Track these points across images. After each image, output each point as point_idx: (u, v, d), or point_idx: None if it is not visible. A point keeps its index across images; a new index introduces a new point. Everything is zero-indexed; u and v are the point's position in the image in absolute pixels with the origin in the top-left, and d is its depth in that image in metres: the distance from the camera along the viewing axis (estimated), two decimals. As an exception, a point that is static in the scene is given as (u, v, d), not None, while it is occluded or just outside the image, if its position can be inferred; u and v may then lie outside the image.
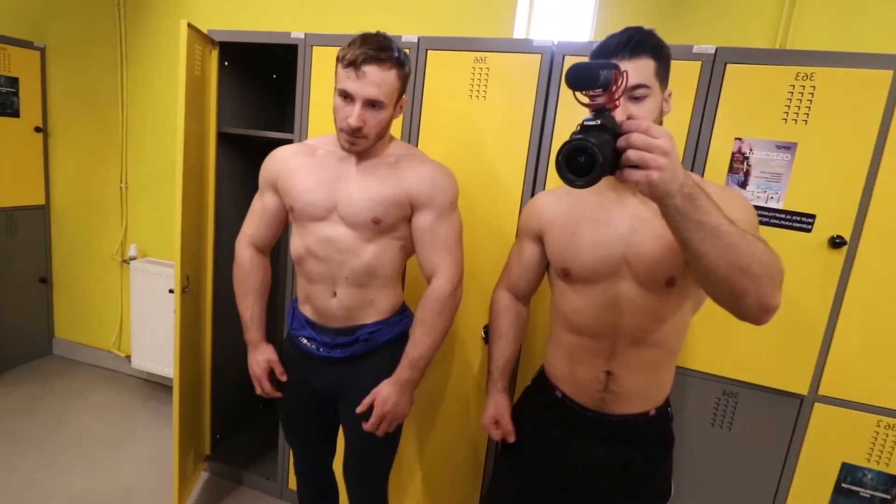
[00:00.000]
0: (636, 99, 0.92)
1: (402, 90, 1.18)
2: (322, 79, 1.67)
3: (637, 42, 0.92)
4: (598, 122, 0.71)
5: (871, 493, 1.37)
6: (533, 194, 1.50)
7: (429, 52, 1.54)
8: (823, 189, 1.27)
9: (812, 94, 1.24)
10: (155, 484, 2.05)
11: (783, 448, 1.42)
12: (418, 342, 1.23)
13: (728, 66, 1.29)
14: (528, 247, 1.17)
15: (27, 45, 2.65)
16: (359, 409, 1.24)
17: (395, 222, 1.22)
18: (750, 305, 0.77)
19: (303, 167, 1.24)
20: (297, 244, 1.27)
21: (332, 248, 1.21)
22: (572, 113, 1.43)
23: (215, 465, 2.14)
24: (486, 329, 1.58)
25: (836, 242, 1.27)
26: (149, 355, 2.65)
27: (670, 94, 0.99)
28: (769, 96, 1.27)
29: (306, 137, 1.71)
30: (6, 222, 2.68)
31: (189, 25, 1.57)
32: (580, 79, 0.75)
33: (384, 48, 1.09)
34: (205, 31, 1.74)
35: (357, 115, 1.11)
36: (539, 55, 1.43)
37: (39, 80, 2.72)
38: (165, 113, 2.54)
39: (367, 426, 1.23)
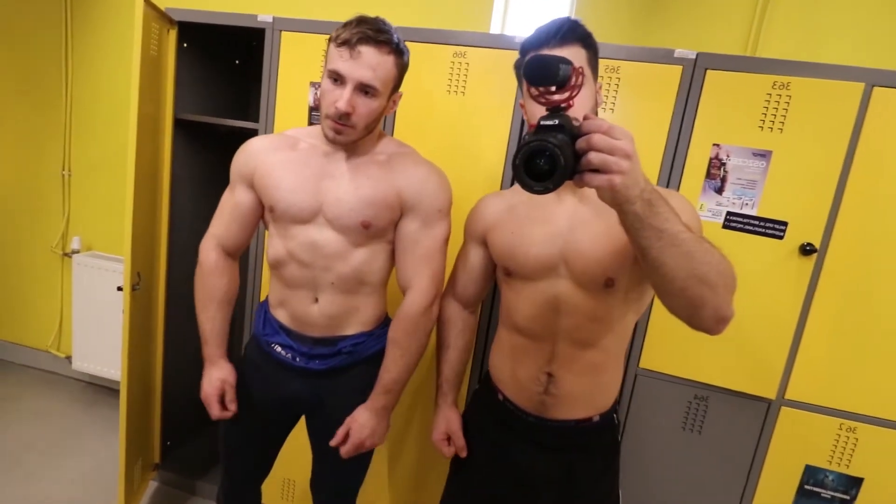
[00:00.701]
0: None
1: (398, 82, 1.09)
2: (291, 66, 1.58)
3: (567, 30, 0.91)
4: (556, 121, 0.66)
5: (832, 493, 1.41)
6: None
7: (406, 43, 1.47)
8: (796, 197, 1.29)
9: (788, 102, 1.26)
10: (99, 495, 1.90)
11: (750, 451, 1.44)
12: (391, 365, 1.14)
13: (708, 71, 1.29)
14: (472, 251, 1.15)
15: (-43, 15, 2.41)
16: (333, 442, 1.14)
17: (387, 226, 1.13)
18: (707, 316, 0.76)
19: (284, 162, 1.11)
20: (276, 247, 1.14)
21: (317, 254, 1.11)
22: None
23: (165, 475, 2.01)
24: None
25: (806, 249, 1.29)
26: (92, 356, 2.46)
27: (601, 87, 0.98)
28: (747, 103, 1.28)
29: (272, 127, 1.61)
30: (-71, 210, 2.44)
31: (146, 1, 1.45)
32: (542, 73, 0.69)
33: (383, 31, 1.00)
34: (162, 9, 1.61)
35: (347, 100, 0.99)
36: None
37: (-29, 56, 2.48)
38: (115, 95, 2.36)
39: (343, 452, 1.14)
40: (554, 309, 0.99)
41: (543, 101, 0.70)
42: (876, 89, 1.22)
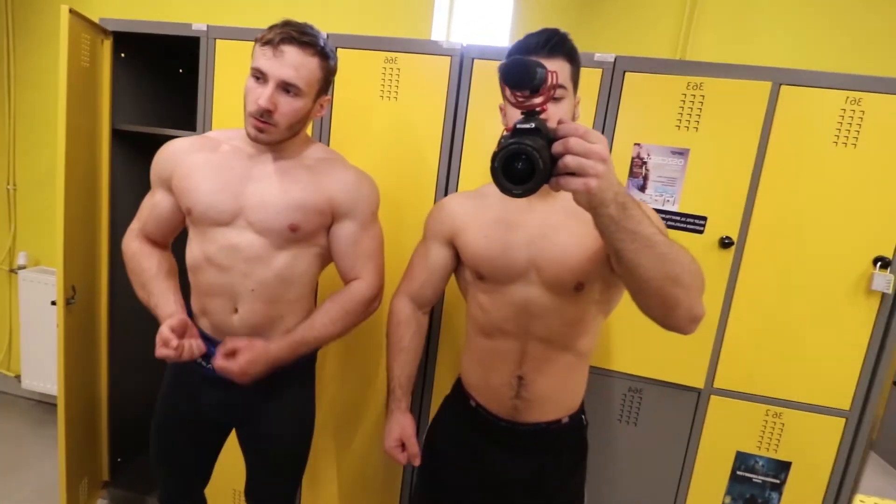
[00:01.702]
0: (555, 100, 0.90)
1: (325, 86, 1.10)
2: (227, 74, 1.58)
3: (555, 43, 0.91)
4: (532, 125, 0.65)
5: (763, 478, 1.46)
6: (446, 194, 1.48)
7: (338, 49, 1.49)
8: (713, 192, 1.34)
9: (702, 102, 1.31)
10: (43, 516, 1.86)
11: (684, 440, 1.48)
12: (313, 327, 1.12)
13: (627, 73, 1.34)
14: (436, 250, 1.13)
15: None
16: (218, 356, 1.04)
17: (315, 230, 1.13)
18: (681, 316, 0.78)
19: (204, 164, 1.10)
20: (194, 251, 1.13)
21: (236, 257, 1.09)
22: (484, 115, 1.43)
23: (115, 492, 1.96)
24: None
25: (725, 243, 1.34)
26: (41, 374, 2.41)
27: (579, 102, 1.00)
28: (664, 104, 1.33)
29: (210, 136, 1.61)
30: None
31: (71, 11, 1.44)
32: (518, 76, 0.68)
33: (307, 33, 1.02)
34: (96, 20, 1.60)
35: (268, 97, 1.00)
36: (449, 57, 1.43)
37: None
38: (56, 109, 2.32)
39: (217, 364, 1.04)
40: (525, 312, 1.00)
41: (521, 102, 0.70)
42: (783, 87, 1.28)
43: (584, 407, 1.13)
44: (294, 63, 1.01)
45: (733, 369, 1.42)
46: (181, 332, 1.05)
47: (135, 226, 1.23)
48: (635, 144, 1.36)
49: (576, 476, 1.11)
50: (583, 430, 1.12)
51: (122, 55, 1.74)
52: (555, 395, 1.05)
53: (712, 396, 1.44)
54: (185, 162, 1.12)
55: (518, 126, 0.66)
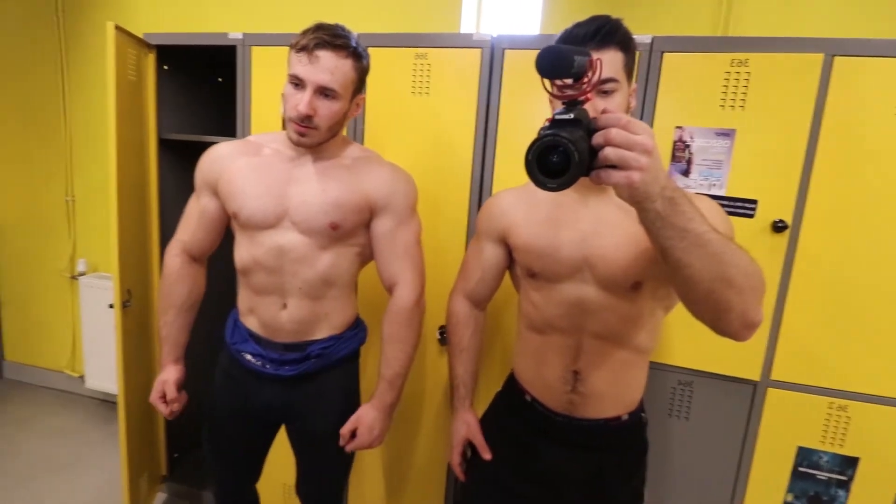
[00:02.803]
0: (605, 93, 0.86)
1: (359, 85, 1.12)
2: (263, 79, 1.62)
3: (606, 33, 0.85)
4: (571, 115, 0.63)
5: (828, 475, 1.38)
6: (481, 190, 1.47)
7: (369, 49, 1.49)
8: (763, 174, 1.27)
9: (747, 79, 1.25)
10: (109, 509, 1.96)
11: (740, 434, 1.42)
12: (392, 360, 1.17)
13: (665, 54, 1.29)
14: (489, 249, 1.11)
15: (-40, 56, 2.53)
16: (342, 442, 1.17)
17: (354, 228, 1.15)
18: (733, 320, 0.72)
19: (248, 169, 1.14)
20: (242, 254, 1.17)
21: (283, 258, 1.12)
22: (517, 107, 1.41)
23: (173, 486, 2.06)
24: (442, 329, 1.55)
25: (778, 227, 1.27)
26: (103, 374, 2.55)
27: (635, 90, 0.94)
28: (706, 83, 1.27)
29: (249, 141, 1.65)
30: (-56, 242, 2.55)
31: (117, 28, 1.51)
32: (554, 65, 0.64)
33: (339, 35, 1.04)
34: (140, 35, 1.67)
35: (307, 102, 1.03)
36: (480, 49, 1.41)
37: (-24, 93, 2.60)
38: (106, 122, 2.45)
39: (347, 448, 1.17)
40: (579, 309, 0.97)
41: (561, 92, 0.67)
42: (837, 59, 1.20)
43: (644, 405, 1.09)
44: (329, 67, 1.03)
45: (792, 360, 1.35)
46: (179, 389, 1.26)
47: (181, 236, 1.25)
48: (676, 128, 1.31)
49: (636, 476, 1.08)
50: (643, 428, 1.08)
51: (165, 67, 1.81)
52: (612, 391, 1.01)
53: (769, 389, 1.37)
54: (230, 167, 1.15)
55: (556, 117, 0.64)
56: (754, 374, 1.37)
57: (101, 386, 2.56)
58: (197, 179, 1.21)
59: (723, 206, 1.28)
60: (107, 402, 2.73)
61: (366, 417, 1.17)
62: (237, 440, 1.28)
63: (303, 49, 1.03)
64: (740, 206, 1.29)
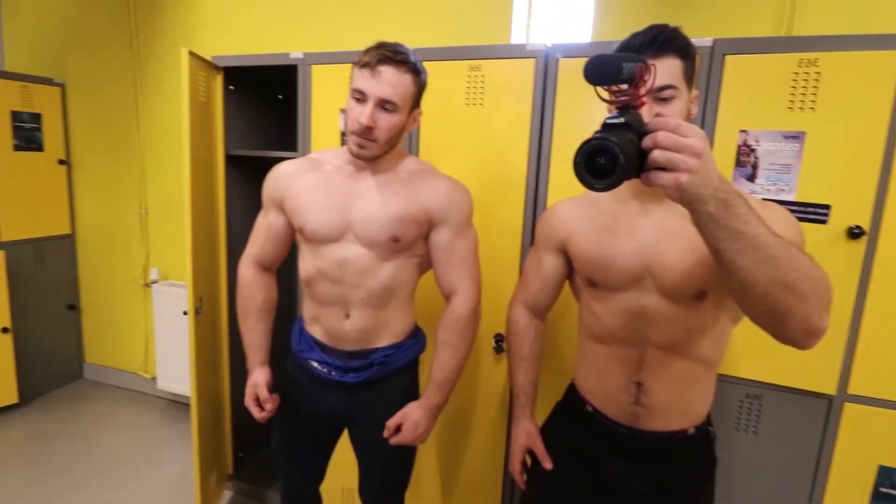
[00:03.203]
0: (663, 100, 0.87)
1: (417, 100, 1.16)
2: (322, 96, 1.69)
3: (663, 40, 0.86)
4: (622, 119, 0.65)
5: (913, 496, 1.29)
6: (535, 200, 1.48)
7: (423, 63, 1.53)
8: (837, 178, 1.22)
9: (817, 80, 1.20)
10: (182, 503, 2.08)
11: (814, 451, 1.35)
12: (444, 364, 1.20)
13: (727, 57, 1.25)
14: (548, 259, 1.12)
15: (47, 81, 2.76)
16: (385, 434, 1.19)
17: (414, 240, 1.19)
18: (793, 327, 0.69)
19: (312, 185, 1.19)
20: (307, 266, 1.21)
21: (347, 270, 1.17)
22: (571, 115, 1.41)
23: (238, 484, 2.16)
24: (498, 338, 1.56)
25: (854, 233, 1.21)
26: (174, 376, 2.71)
27: (696, 97, 0.94)
28: (772, 85, 1.23)
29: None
30: (35, 252, 2.79)
31: (190, 53, 1.62)
32: (600, 72, 0.66)
33: (400, 52, 1.09)
34: (208, 58, 1.78)
35: (369, 114, 1.07)
36: (534, 59, 1.42)
37: (61, 114, 2.84)
38: (179, 139, 2.61)
39: (392, 441, 1.19)
40: (641, 319, 0.96)
41: (609, 99, 0.69)
42: (917, 55, 1.14)
43: (712, 418, 1.06)
44: (391, 81, 1.07)
45: (871, 373, 1.27)
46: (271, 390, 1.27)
47: (252, 250, 1.31)
48: (741, 131, 1.27)
49: (704, 492, 1.04)
50: (711, 442, 1.05)
51: (231, 87, 1.92)
52: (678, 403, 0.98)
53: (846, 404, 1.30)
54: (294, 184, 1.20)
55: (606, 121, 0.66)
56: (829, 388, 1.30)
57: (172, 387, 2.72)
58: (264, 197, 1.27)
59: (792, 212, 1.24)
60: (176, 402, 2.89)
61: (412, 414, 1.19)
62: (305, 443, 1.34)
63: (366, 65, 1.08)
64: (812, 212, 1.24)
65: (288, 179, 1.22)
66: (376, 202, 1.15)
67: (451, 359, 1.20)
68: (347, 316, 1.20)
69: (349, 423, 1.31)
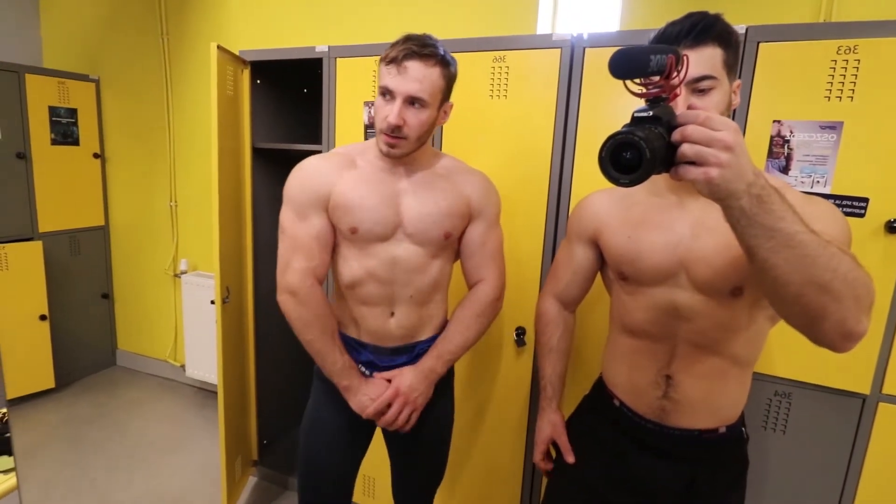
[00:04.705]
0: (701, 91, 0.83)
1: (447, 92, 1.12)
2: (347, 89, 1.70)
3: (702, 29, 0.82)
4: (651, 113, 0.63)
5: (951, 501, 1.24)
6: (559, 192, 1.46)
7: (448, 55, 1.53)
8: (875, 169, 1.17)
9: (857, 68, 1.15)
10: (207, 488, 2.14)
11: (846, 452, 1.31)
12: (452, 337, 1.20)
13: (761, 45, 1.22)
14: (579, 251, 1.10)
15: (83, 77, 2.85)
16: (378, 404, 1.13)
17: (459, 235, 1.20)
18: (828, 329, 0.67)
19: (358, 183, 1.12)
20: (353, 268, 1.15)
21: (397, 269, 1.14)
22: (597, 107, 1.39)
23: (263, 470, 2.21)
24: (519, 330, 1.56)
25: (893, 227, 1.16)
26: (202, 364, 2.78)
27: (739, 86, 0.90)
28: (808, 74, 1.19)
29: (334, 146, 1.74)
30: (70, 243, 2.89)
31: (219, 47, 1.64)
32: (625, 65, 0.65)
33: (427, 45, 1.05)
34: (236, 53, 1.81)
35: (397, 113, 1.04)
36: (559, 49, 1.40)
37: (95, 109, 2.92)
38: (208, 133, 2.67)
39: (387, 417, 1.14)
40: (673, 314, 0.94)
41: (637, 93, 0.67)
42: (966, 40, 1.08)
43: (745, 419, 1.03)
44: (418, 77, 1.04)
45: (908, 373, 1.23)
46: None
47: (304, 265, 1.13)
48: (774, 122, 1.23)
49: (734, 494, 1.02)
50: (743, 444, 1.02)
51: (258, 81, 1.94)
52: (708, 400, 0.96)
53: (881, 404, 1.26)
54: (339, 181, 1.13)
55: (635, 114, 0.65)
56: (863, 388, 1.26)
57: (200, 375, 2.79)
58: (300, 199, 1.13)
59: (827, 205, 1.20)
60: (204, 389, 2.97)
61: (405, 379, 1.15)
62: (341, 452, 1.27)
63: (392, 61, 1.04)
64: (848, 205, 1.20)
65: (330, 176, 1.13)
66: (426, 199, 1.14)
67: (460, 336, 1.20)
68: (392, 314, 1.18)
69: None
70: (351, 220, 1.11)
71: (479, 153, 1.53)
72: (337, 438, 1.25)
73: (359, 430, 1.27)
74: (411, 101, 1.06)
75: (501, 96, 1.49)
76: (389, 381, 1.18)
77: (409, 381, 1.16)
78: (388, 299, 1.17)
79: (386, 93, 1.07)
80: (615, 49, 0.66)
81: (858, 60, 1.15)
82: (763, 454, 1.38)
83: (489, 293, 1.21)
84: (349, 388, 1.16)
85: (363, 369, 1.21)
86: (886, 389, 1.25)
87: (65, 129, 2.78)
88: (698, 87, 0.83)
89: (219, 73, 1.67)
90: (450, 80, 1.11)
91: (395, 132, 1.06)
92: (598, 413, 1.11)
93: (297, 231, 1.13)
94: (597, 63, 1.37)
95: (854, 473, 1.30)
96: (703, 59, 0.82)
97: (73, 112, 2.80)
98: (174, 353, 3.05)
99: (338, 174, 1.13)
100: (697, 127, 0.60)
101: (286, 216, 1.15)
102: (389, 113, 1.05)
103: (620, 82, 0.69)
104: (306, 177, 1.14)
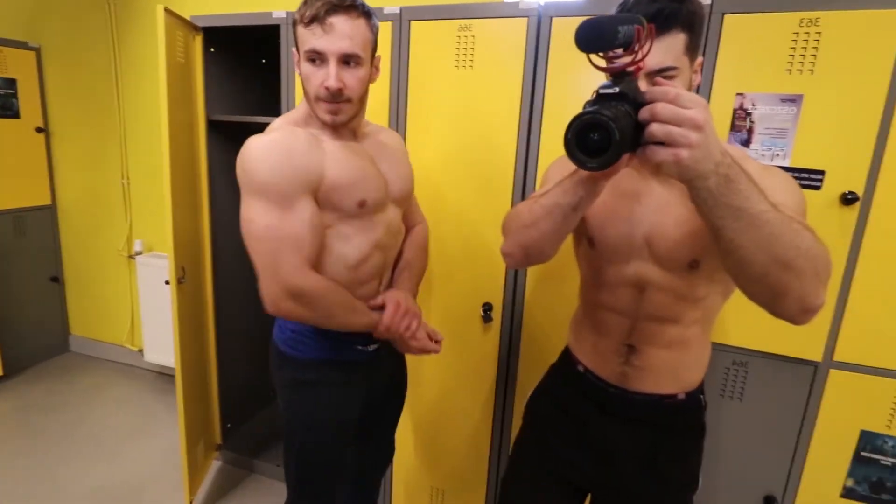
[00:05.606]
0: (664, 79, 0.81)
1: (375, 45, 1.04)
2: (306, 58, 1.62)
3: (667, 15, 0.77)
4: (617, 89, 0.60)
5: (893, 460, 1.31)
6: (526, 162, 1.44)
7: (412, 22, 1.48)
8: (832, 143, 1.19)
9: (818, 40, 1.16)
10: (170, 474, 2.08)
11: (798, 417, 1.36)
12: (413, 265, 1.26)
13: (725, 16, 1.21)
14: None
15: (22, 45, 2.65)
16: (388, 316, 1.09)
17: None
18: (790, 305, 0.68)
19: (342, 154, 1.04)
20: (360, 244, 1.07)
21: (391, 232, 1.16)
22: (565, 79, 1.36)
23: (227, 454, 2.16)
24: (485, 306, 1.55)
25: (847, 199, 1.19)
26: (160, 348, 2.68)
27: (700, 64, 0.87)
28: (771, 46, 1.19)
29: (294, 120, 1.67)
30: (15, 223, 2.72)
31: (167, 10, 1.54)
32: (593, 38, 0.60)
33: None
34: (187, 17, 1.70)
35: (335, 76, 0.95)
36: (525, 18, 1.37)
37: (37, 80, 2.73)
38: (158, 106, 2.53)
39: (399, 325, 1.11)
40: (635, 286, 0.95)
41: (601, 67, 0.63)
42: (921, 14, 1.10)
43: (704, 387, 1.05)
44: (347, 32, 0.95)
45: (858, 341, 1.27)
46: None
47: (301, 257, 0.98)
48: (737, 94, 1.23)
49: (692, 458, 1.05)
50: (701, 411, 1.04)
51: (212, 50, 1.84)
52: (668, 367, 0.98)
53: (832, 371, 1.31)
54: (325, 157, 1.02)
55: (600, 91, 0.61)
56: (815, 355, 1.30)
57: (159, 359, 2.70)
58: (279, 187, 0.96)
59: (786, 177, 1.21)
60: (164, 374, 2.88)
61: (396, 296, 1.14)
62: (351, 448, 1.27)
63: (313, 20, 0.94)
64: (806, 178, 1.22)
65: (316, 154, 1.01)
66: (392, 162, 1.16)
67: (419, 263, 1.28)
68: (380, 282, 1.19)
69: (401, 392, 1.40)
70: (358, 193, 1.04)
71: (443, 124, 1.49)
72: (345, 435, 1.22)
73: (388, 402, 1.37)
74: (346, 59, 0.97)
75: (468, 66, 1.45)
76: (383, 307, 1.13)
77: (401, 297, 1.14)
78: (383, 268, 1.18)
79: (315, 57, 0.97)
80: (582, 19, 0.62)
81: (819, 33, 1.15)
82: (720, 421, 1.42)
83: (426, 230, 1.34)
84: (370, 324, 1.09)
85: (367, 347, 1.19)
86: (837, 357, 1.29)
87: (3, 101, 2.58)
88: (657, 80, 0.78)
89: (167, 38, 1.56)
90: (376, 31, 1.04)
91: (336, 97, 0.98)
92: (563, 381, 1.13)
93: (283, 224, 0.96)
94: (565, 33, 1.34)
95: (805, 437, 1.36)
96: (665, 49, 0.78)
97: (11, 82, 2.61)
98: (131, 338, 2.94)
99: (320, 150, 1.02)
100: (667, 105, 0.57)
101: (258, 210, 0.96)
102: (326, 77, 0.96)
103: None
104: (282, 159, 0.97)
